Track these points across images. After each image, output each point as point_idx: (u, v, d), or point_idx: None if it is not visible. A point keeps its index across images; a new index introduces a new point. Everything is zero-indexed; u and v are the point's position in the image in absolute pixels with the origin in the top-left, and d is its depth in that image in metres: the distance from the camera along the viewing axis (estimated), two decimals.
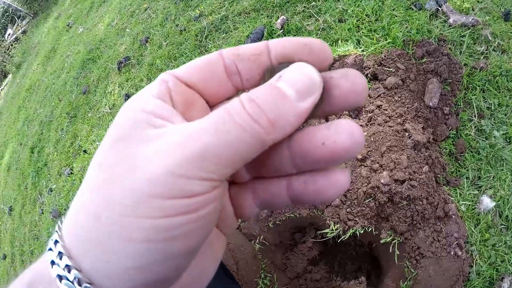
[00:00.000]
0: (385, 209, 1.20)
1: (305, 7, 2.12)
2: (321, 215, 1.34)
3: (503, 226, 1.29)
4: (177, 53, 2.48)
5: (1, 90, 6.47)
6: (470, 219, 1.27)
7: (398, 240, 1.19)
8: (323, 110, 0.25)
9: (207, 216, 0.23)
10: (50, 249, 0.24)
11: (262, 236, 1.44)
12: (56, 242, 0.24)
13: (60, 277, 0.23)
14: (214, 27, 2.41)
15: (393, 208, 1.19)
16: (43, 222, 2.75)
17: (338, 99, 0.24)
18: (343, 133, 0.22)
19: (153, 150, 0.22)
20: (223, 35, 2.31)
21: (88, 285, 0.22)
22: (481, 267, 1.20)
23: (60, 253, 0.23)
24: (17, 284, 0.25)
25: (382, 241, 1.19)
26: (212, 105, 0.29)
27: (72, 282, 0.22)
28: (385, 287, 1.22)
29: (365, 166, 1.32)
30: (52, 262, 0.23)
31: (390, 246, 1.20)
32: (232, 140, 0.21)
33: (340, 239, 1.29)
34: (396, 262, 1.18)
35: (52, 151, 3.09)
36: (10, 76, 6.28)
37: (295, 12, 2.14)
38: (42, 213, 2.82)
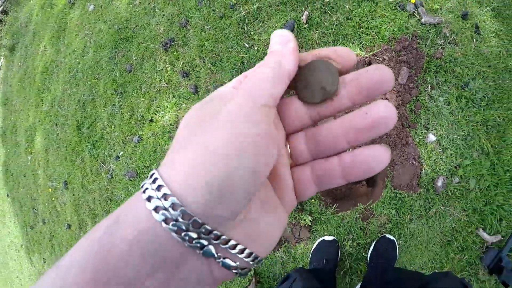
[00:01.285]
0: (374, 140, 2.19)
1: (321, 3, 2.47)
2: None
3: (440, 150, 2.30)
4: (223, 37, 2.76)
5: None
6: (421, 145, 2.12)
7: None
8: (367, 96, 0.30)
9: (264, 134, 0.25)
10: (146, 188, 0.24)
11: None
12: (155, 179, 0.24)
13: (155, 209, 0.23)
14: (252, 16, 2.72)
15: (379, 139, 2.18)
16: (115, 185, 2.93)
17: (375, 83, 0.29)
18: (381, 105, 0.28)
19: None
20: (260, 24, 2.67)
21: (183, 208, 0.22)
22: (428, 171, 2.05)
23: (159, 186, 0.23)
24: (106, 218, 0.25)
25: None
26: None
27: (167, 209, 0.23)
28: (377, 185, 2.24)
29: None
30: (149, 198, 0.23)
31: None
32: (266, 72, 0.27)
33: None
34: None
35: (106, 125, 3.18)
36: (2, 60, 5.32)
37: (314, 8, 2.46)
38: (112, 177, 2.99)
